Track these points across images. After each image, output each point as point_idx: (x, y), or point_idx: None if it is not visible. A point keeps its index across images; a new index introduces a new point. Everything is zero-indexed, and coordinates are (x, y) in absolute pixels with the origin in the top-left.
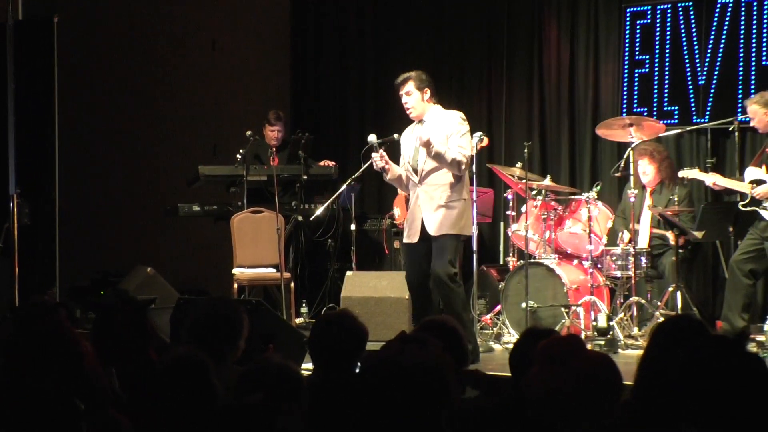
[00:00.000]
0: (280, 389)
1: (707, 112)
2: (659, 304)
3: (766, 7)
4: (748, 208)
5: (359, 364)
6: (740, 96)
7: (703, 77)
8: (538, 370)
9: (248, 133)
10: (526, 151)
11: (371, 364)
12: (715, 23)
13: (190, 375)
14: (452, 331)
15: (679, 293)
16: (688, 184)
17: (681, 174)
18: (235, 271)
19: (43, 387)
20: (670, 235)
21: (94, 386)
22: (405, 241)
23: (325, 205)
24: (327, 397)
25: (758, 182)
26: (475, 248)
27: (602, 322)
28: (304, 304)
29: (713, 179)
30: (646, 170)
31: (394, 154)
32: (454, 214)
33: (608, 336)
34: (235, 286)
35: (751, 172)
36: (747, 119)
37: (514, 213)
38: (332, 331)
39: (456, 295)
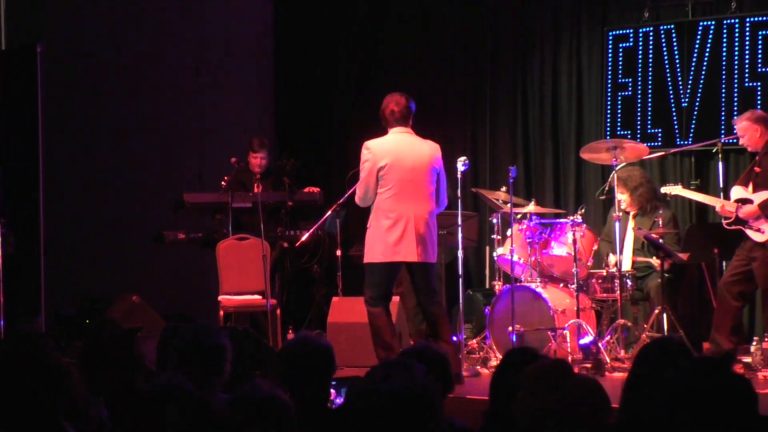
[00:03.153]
0: (268, 416)
1: (691, 134)
2: (645, 326)
3: (747, 28)
4: (733, 227)
5: (341, 390)
6: (723, 118)
7: (686, 99)
8: (526, 394)
9: (233, 160)
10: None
11: (357, 391)
12: (697, 45)
13: (174, 403)
14: (436, 357)
15: (665, 315)
16: (672, 206)
17: (664, 190)
18: (221, 298)
19: (30, 417)
20: (653, 261)
21: (82, 415)
22: None
23: (311, 231)
24: (308, 425)
25: (744, 201)
26: (461, 272)
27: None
28: (290, 331)
29: (693, 195)
30: (621, 197)
31: None
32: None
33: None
34: (222, 313)
35: (737, 191)
36: (731, 141)
37: (499, 237)
38: (298, 354)
39: (369, 317)
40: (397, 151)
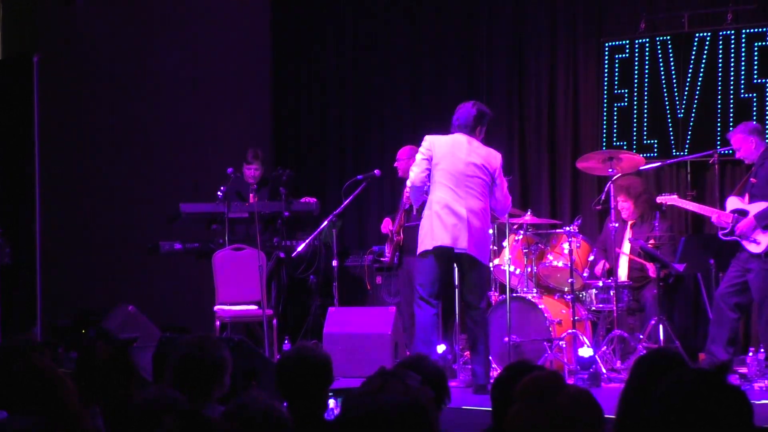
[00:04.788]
0: (264, 428)
1: (687, 145)
2: (641, 336)
3: (743, 40)
4: (729, 238)
5: (338, 401)
6: (719, 129)
7: (682, 110)
8: (519, 407)
9: (229, 170)
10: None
11: (352, 402)
12: (693, 57)
13: (169, 414)
14: (432, 368)
15: (661, 326)
16: (669, 217)
17: (659, 199)
18: (217, 308)
19: (25, 427)
20: (650, 267)
21: (78, 426)
22: None
23: (307, 241)
24: None
25: (739, 212)
26: (456, 283)
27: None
28: (286, 341)
29: (689, 205)
30: (623, 206)
31: (379, 188)
32: None
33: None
34: (218, 323)
35: (733, 202)
36: (727, 151)
37: (495, 247)
38: (296, 365)
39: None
40: (453, 146)
